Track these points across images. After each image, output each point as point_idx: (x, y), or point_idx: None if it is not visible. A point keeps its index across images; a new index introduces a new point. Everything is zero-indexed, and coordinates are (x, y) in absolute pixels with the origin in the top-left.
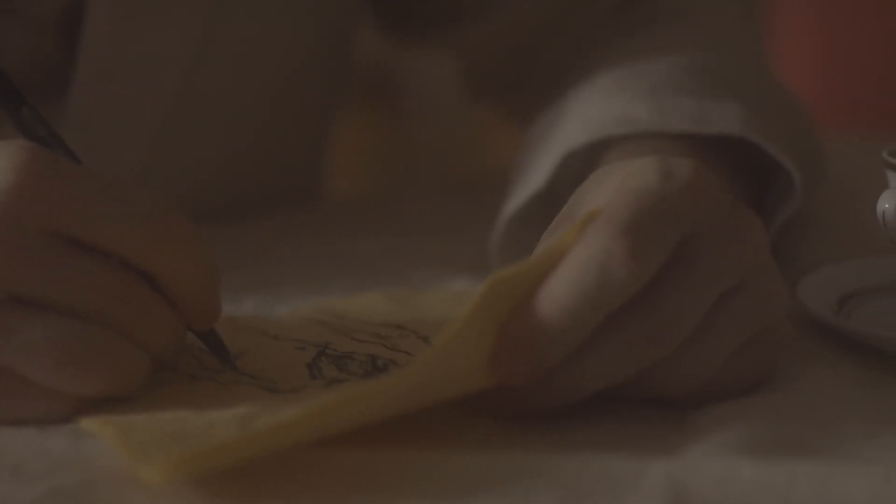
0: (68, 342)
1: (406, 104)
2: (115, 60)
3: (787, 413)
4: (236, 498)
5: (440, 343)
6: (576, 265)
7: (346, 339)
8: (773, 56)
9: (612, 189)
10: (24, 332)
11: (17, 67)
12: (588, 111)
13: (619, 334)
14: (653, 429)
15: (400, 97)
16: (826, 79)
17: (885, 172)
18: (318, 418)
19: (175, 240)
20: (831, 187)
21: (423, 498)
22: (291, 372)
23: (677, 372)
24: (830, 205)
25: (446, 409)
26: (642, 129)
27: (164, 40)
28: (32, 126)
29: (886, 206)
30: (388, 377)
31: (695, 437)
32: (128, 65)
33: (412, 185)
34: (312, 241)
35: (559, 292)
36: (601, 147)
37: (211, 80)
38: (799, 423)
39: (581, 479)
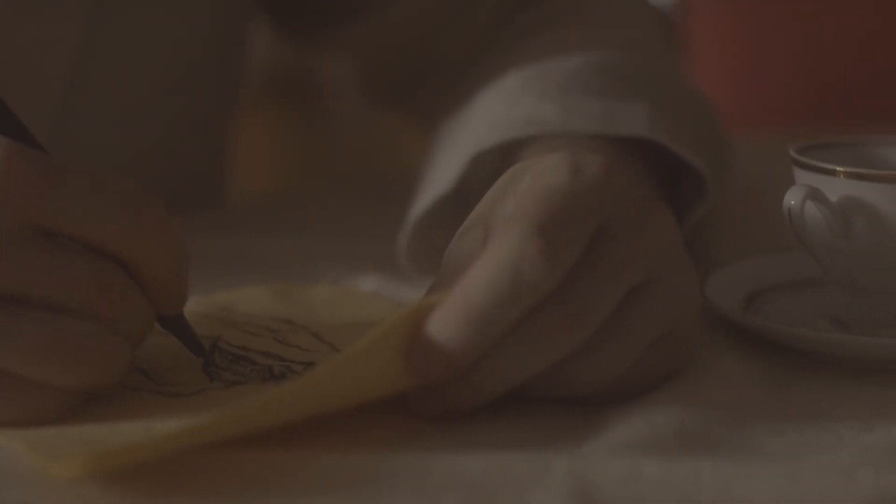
0: (55, 336)
1: (324, 103)
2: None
3: (694, 409)
4: (140, 497)
5: (352, 353)
6: (489, 266)
7: (238, 331)
8: (687, 55)
9: (522, 188)
10: (11, 329)
11: None
12: (496, 112)
13: (530, 328)
14: (558, 427)
15: (319, 96)
16: (738, 77)
17: (792, 170)
18: (223, 426)
19: (150, 227)
20: (742, 185)
21: (327, 499)
22: (190, 375)
23: (589, 367)
24: (740, 202)
25: (352, 409)
26: (551, 130)
27: (48, 30)
28: None
29: (792, 202)
30: (295, 382)
31: (600, 435)
32: (15, 53)
33: (331, 183)
34: (219, 239)
35: (473, 293)
36: (513, 146)
37: (101, 73)
38: (705, 419)
39: (486, 478)
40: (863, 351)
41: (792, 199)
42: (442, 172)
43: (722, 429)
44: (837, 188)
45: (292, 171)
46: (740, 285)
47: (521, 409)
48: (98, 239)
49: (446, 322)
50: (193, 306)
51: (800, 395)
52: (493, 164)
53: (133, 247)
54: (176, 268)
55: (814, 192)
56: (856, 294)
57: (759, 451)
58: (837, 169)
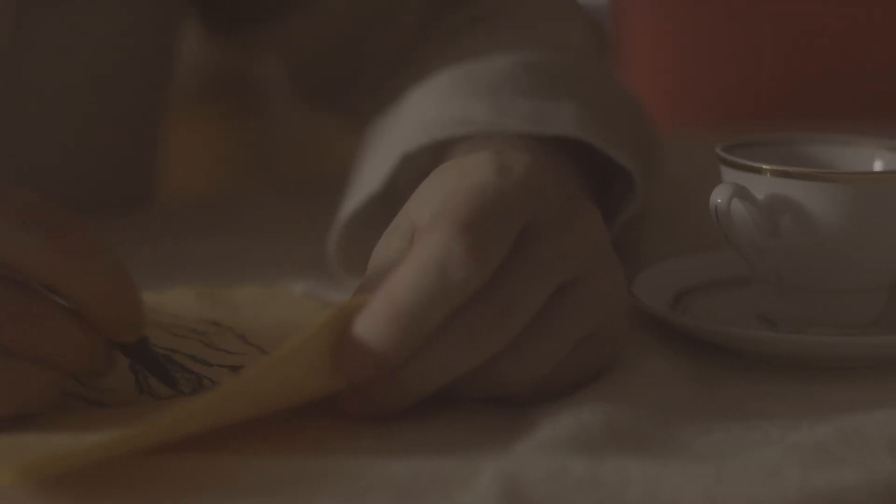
0: None
1: (263, 103)
2: None
3: (622, 408)
4: (73, 502)
5: (280, 356)
6: (416, 265)
7: (165, 333)
8: (619, 54)
9: (449, 186)
10: None
11: None
12: (426, 112)
13: (457, 327)
14: (487, 427)
15: (257, 96)
16: (670, 77)
17: (718, 168)
18: (152, 434)
19: (76, 252)
20: (671, 183)
21: (256, 502)
22: (119, 384)
23: (517, 366)
24: (671, 201)
25: (282, 411)
26: (480, 130)
27: None
28: None
29: (719, 200)
30: (224, 388)
31: (528, 434)
32: None
33: (268, 184)
34: (150, 242)
35: (400, 292)
36: (444, 146)
37: (27, 72)
38: (633, 418)
39: (415, 479)
40: (791, 349)
41: (718, 197)
42: (372, 173)
43: (649, 428)
44: (764, 186)
45: (231, 172)
46: (668, 284)
47: (450, 409)
48: (19, 265)
49: (373, 322)
50: None
51: (728, 394)
52: (424, 164)
53: (56, 273)
54: (108, 292)
55: (740, 190)
56: (784, 292)
57: (687, 450)
58: (764, 167)
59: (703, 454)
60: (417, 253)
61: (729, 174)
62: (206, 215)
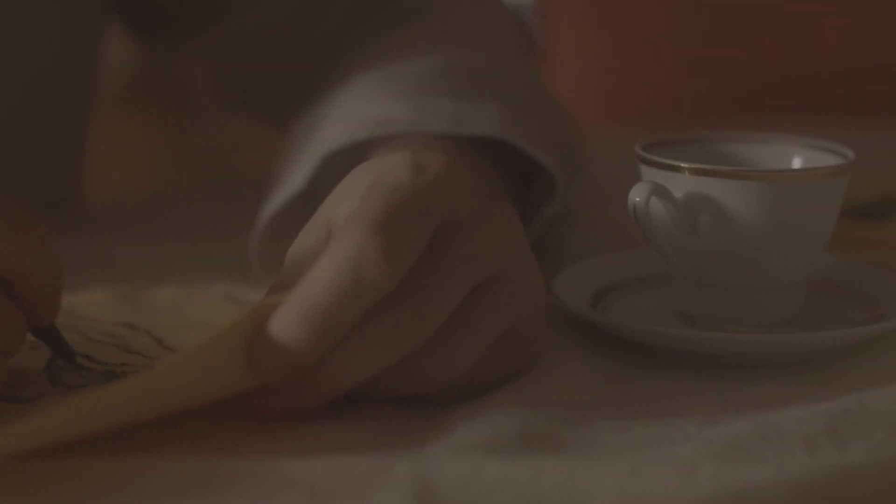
0: None
1: (191, 105)
2: None
3: (538, 408)
4: None
5: (189, 352)
6: (330, 265)
7: (80, 337)
8: (545, 55)
9: (365, 186)
10: None
11: None
12: (347, 113)
13: (372, 326)
14: (402, 427)
15: (185, 98)
16: (597, 77)
17: (638, 167)
18: (59, 422)
19: (31, 246)
20: (595, 182)
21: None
22: (31, 378)
23: (432, 365)
24: (594, 200)
25: (194, 412)
26: (400, 130)
27: None
28: None
29: (637, 199)
30: (132, 380)
31: (443, 435)
32: None
33: (194, 186)
34: (71, 242)
35: (314, 292)
36: (365, 146)
37: None
38: (549, 417)
39: (328, 479)
40: (709, 347)
41: (637, 196)
42: (294, 173)
43: (565, 427)
44: (683, 184)
45: (160, 174)
46: (588, 283)
47: (365, 410)
48: None
49: (287, 322)
50: None
51: (646, 392)
52: (346, 164)
53: (14, 265)
54: (53, 282)
55: (659, 188)
56: (702, 290)
57: (603, 449)
58: (682, 165)
59: (619, 452)
60: (332, 253)
61: (648, 173)
62: (128, 216)
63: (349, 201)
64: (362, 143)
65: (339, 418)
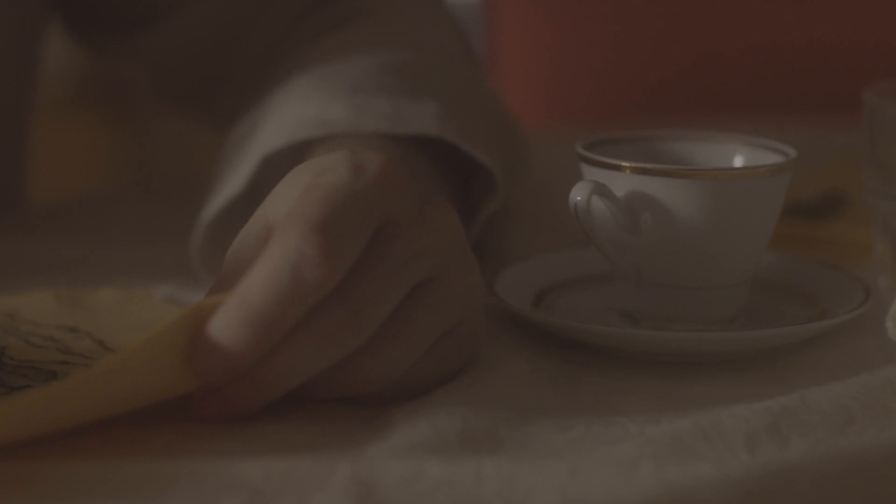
0: None
1: (139, 105)
2: None
3: (479, 407)
4: None
5: (127, 353)
6: (269, 266)
7: (22, 343)
8: (490, 53)
9: (303, 186)
10: None
11: None
12: (287, 113)
13: (311, 327)
14: (343, 428)
15: (133, 98)
16: (542, 76)
17: (579, 166)
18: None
19: None
20: (538, 181)
21: None
22: None
23: (372, 365)
24: (536, 199)
25: (132, 414)
26: (339, 130)
27: None
28: None
29: (578, 198)
30: (69, 380)
31: (384, 435)
32: None
33: (142, 187)
34: (11, 242)
35: (253, 293)
36: (306, 147)
37: None
38: (490, 417)
39: (268, 481)
40: (651, 345)
41: (578, 195)
42: (234, 174)
43: (507, 426)
44: (624, 183)
45: (108, 174)
46: (530, 282)
47: (306, 410)
48: None
49: (226, 323)
50: None
51: (588, 390)
52: (286, 165)
53: None
54: None
55: (600, 187)
56: (644, 288)
57: (545, 448)
58: (623, 164)
59: (560, 451)
60: (271, 253)
61: (589, 172)
62: (74, 217)
63: (288, 202)
64: (302, 144)
65: (280, 419)
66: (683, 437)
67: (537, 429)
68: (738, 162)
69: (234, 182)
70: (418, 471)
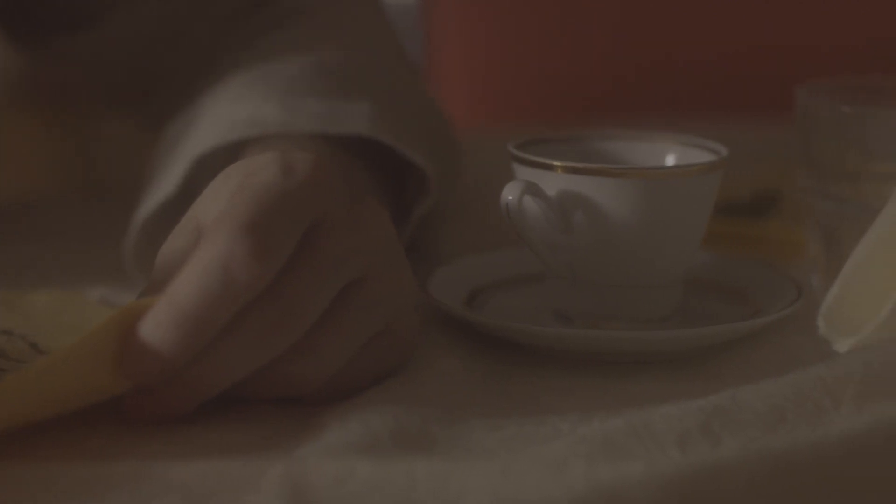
0: None
1: (79, 108)
2: None
3: (412, 407)
4: None
5: (57, 356)
6: (199, 267)
7: None
8: (428, 53)
9: (233, 187)
10: None
11: None
12: (220, 114)
13: (242, 327)
14: (275, 429)
15: (73, 100)
16: (481, 75)
17: (511, 165)
18: None
19: None
20: (473, 181)
21: None
22: None
23: (304, 365)
24: (471, 199)
25: (66, 417)
26: (272, 131)
27: None
28: None
29: (510, 198)
30: (2, 383)
31: (316, 436)
32: None
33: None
34: None
35: (183, 295)
36: (239, 147)
37: None
38: (423, 416)
39: (201, 483)
40: (584, 344)
41: (509, 194)
42: (167, 175)
43: (439, 426)
44: (556, 183)
45: (48, 177)
46: (464, 282)
47: (239, 411)
48: None
49: (157, 324)
50: None
51: (521, 390)
52: (220, 165)
53: None
54: None
55: (531, 186)
56: (577, 288)
57: (477, 448)
58: (555, 164)
59: (492, 451)
60: (201, 254)
61: (521, 171)
62: (9, 218)
63: (218, 203)
64: (236, 144)
65: (212, 421)
66: (615, 436)
67: (470, 428)
68: (670, 161)
69: (167, 183)
70: (350, 471)
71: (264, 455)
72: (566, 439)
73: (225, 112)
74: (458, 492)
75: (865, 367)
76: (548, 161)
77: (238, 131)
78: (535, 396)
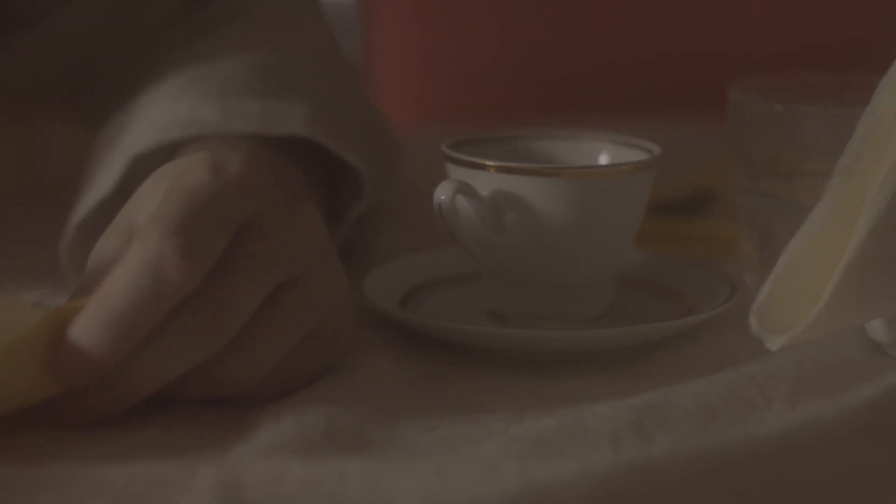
0: None
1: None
2: None
3: (345, 407)
4: None
5: None
6: (129, 268)
7: None
8: (368, 54)
9: (164, 188)
10: None
11: None
12: (157, 113)
13: (173, 328)
14: (208, 430)
15: (12, 100)
16: (421, 74)
17: (445, 165)
18: None
19: None
20: (409, 181)
21: None
22: None
23: (236, 366)
24: (405, 199)
25: None
26: (208, 131)
27: None
28: None
29: (443, 197)
30: None
31: (249, 437)
32: None
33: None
34: None
35: (113, 296)
36: (177, 147)
37: None
38: (356, 417)
39: (132, 485)
40: (518, 343)
41: (442, 194)
42: (104, 176)
43: (372, 426)
44: (489, 182)
45: None
46: (398, 282)
47: (171, 413)
48: None
49: (87, 326)
50: None
51: (454, 390)
52: (158, 165)
53: None
54: None
55: (464, 186)
56: (511, 287)
57: (410, 448)
58: (487, 163)
59: (425, 451)
60: (132, 256)
61: (454, 171)
62: None
63: (150, 203)
64: (173, 144)
65: (144, 422)
66: (548, 435)
67: (403, 428)
68: (603, 160)
69: (103, 183)
70: (283, 471)
71: (197, 456)
72: (499, 439)
73: (162, 112)
74: (391, 492)
75: (798, 365)
76: (480, 161)
77: (175, 131)
78: (469, 396)
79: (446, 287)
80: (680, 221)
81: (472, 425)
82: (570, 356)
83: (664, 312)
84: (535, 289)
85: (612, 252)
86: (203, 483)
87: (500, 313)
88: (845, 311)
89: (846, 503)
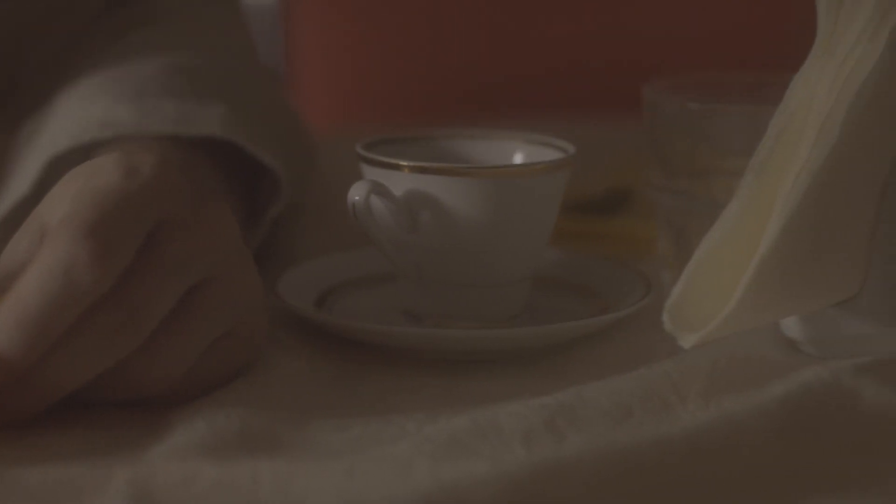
0: None
1: None
2: None
3: (258, 408)
4: None
5: None
6: (41, 270)
7: None
8: (289, 54)
9: (76, 190)
10: None
11: None
12: (73, 115)
13: (87, 328)
14: (122, 432)
15: None
16: (343, 75)
17: (360, 165)
18: None
19: None
20: (325, 182)
21: None
22: None
23: (150, 368)
24: (322, 200)
25: None
26: (125, 132)
27: None
28: None
29: (357, 198)
30: None
31: (161, 438)
32: None
33: None
34: None
35: (25, 298)
36: (94, 148)
37: None
38: (269, 419)
39: (44, 487)
40: (432, 343)
41: (356, 194)
42: (20, 177)
43: (285, 428)
44: (403, 182)
45: None
46: (314, 283)
47: (85, 415)
48: None
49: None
50: None
51: (368, 390)
52: (74, 166)
53: None
54: None
55: (377, 186)
56: (426, 287)
57: (323, 448)
58: (401, 163)
59: (338, 451)
60: (43, 257)
61: (369, 171)
62: None
63: (62, 204)
64: (89, 145)
65: (57, 424)
66: (460, 435)
67: (316, 429)
68: (517, 159)
69: (19, 184)
70: (195, 472)
71: (110, 458)
72: (412, 439)
73: (78, 113)
74: (303, 492)
75: (712, 363)
76: (394, 161)
77: (91, 132)
78: (383, 396)
79: (362, 287)
80: (597, 220)
81: (386, 425)
82: (484, 356)
83: (580, 311)
84: (449, 289)
85: (526, 252)
86: (116, 485)
87: (416, 313)
88: (758, 308)
89: (757, 502)
